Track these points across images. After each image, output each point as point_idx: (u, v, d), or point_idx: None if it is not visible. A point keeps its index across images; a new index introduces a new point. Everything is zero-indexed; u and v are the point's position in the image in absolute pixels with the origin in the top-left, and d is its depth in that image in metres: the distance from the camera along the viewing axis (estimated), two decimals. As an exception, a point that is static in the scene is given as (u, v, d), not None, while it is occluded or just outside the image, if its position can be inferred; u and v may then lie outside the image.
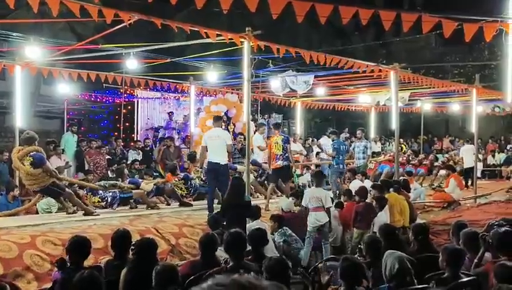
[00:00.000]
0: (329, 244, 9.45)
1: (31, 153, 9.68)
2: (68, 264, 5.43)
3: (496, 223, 6.74)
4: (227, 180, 10.48)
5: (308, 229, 9.23)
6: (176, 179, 12.30)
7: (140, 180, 12.24)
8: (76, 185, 11.51)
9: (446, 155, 23.69)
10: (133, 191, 11.48)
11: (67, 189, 10.44)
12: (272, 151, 12.37)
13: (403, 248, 6.07)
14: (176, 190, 12.23)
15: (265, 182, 14.27)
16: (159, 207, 11.66)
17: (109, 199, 11.07)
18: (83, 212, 10.25)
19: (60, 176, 10.49)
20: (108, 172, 13.00)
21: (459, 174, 16.73)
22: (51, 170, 10.04)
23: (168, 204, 12.34)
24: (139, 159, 15.48)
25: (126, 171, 12.29)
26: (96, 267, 5.45)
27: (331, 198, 10.21)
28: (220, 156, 10.86)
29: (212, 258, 5.87)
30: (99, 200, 11.07)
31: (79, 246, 5.48)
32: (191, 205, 12.10)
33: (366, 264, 5.81)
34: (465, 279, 5.15)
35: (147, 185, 11.88)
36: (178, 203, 12.20)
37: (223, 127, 17.86)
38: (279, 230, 8.69)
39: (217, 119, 11.77)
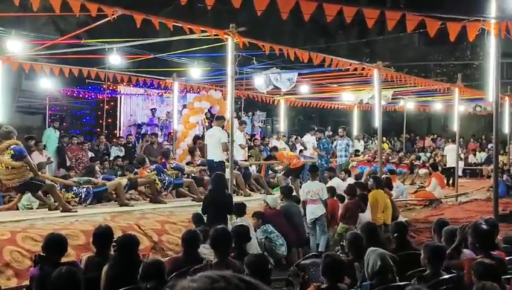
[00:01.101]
0: (327, 236, 9.59)
1: (11, 146, 9.54)
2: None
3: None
4: None
5: (307, 221, 9.79)
6: (148, 171, 12.07)
7: (114, 176, 12.07)
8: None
9: (428, 154, 23.93)
10: (107, 183, 11.23)
11: (47, 181, 10.30)
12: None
13: (384, 246, 6.10)
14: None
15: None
16: (133, 205, 11.41)
17: (83, 195, 10.80)
18: (61, 208, 10.14)
19: (38, 172, 10.33)
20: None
21: (441, 173, 16.89)
22: (31, 163, 9.90)
23: (151, 201, 12.22)
24: (122, 156, 15.38)
25: (97, 168, 12.06)
26: (72, 263, 5.38)
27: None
28: (214, 153, 11.31)
29: (194, 255, 5.85)
30: (73, 196, 10.75)
31: (55, 243, 5.40)
32: (165, 203, 11.82)
33: (349, 262, 5.84)
34: (447, 276, 5.18)
35: (121, 180, 11.73)
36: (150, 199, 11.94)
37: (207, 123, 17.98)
38: (262, 227, 8.71)
39: (218, 118, 12.16)
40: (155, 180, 11.89)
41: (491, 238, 5.67)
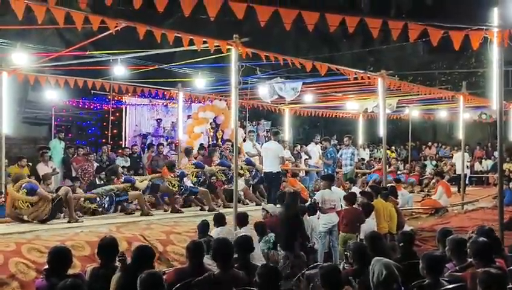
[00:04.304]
0: (338, 246, 9.66)
1: (23, 185, 10.21)
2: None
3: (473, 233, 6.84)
4: (278, 186, 12.36)
5: (320, 229, 9.80)
6: (172, 175, 12.42)
7: (133, 178, 12.31)
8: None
9: (434, 162, 23.89)
10: (129, 193, 11.62)
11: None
12: None
13: (388, 255, 6.08)
14: (169, 186, 12.34)
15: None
16: (153, 214, 11.72)
17: (106, 205, 11.38)
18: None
19: (53, 196, 10.55)
20: (96, 179, 12.93)
21: (449, 181, 16.89)
22: (46, 195, 10.29)
23: (166, 210, 12.48)
24: (127, 166, 15.41)
25: (120, 169, 12.31)
26: (77, 275, 5.39)
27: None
28: (273, 165, 12.25)
29: (199, 265, 5.83)
30: (96, 206, 11.37)
31: (59, 257, 5.39)
32: (182, 212, 12.17)
33: (354, 272, 5.82)
34: (450, 286, 5.15)
35: (142, 182, 12.10)
36: (170, 209, 12.34)
37: (212, 133, 18.01)
38: (264, 237, 8.69)
39: (275, 133, 13.32)
40: (174, 185, 12.35)
41: (488, 250, 5.63)
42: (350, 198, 10.00)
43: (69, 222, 10.25)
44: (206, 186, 13.16)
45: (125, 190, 11.65)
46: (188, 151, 14.23)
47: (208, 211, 12.07)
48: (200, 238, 7.59)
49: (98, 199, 11.29)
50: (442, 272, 5.37)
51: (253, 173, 14.23)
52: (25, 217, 10.22)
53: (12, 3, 6.78)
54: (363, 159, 20.02)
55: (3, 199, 11.43)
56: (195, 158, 14.22)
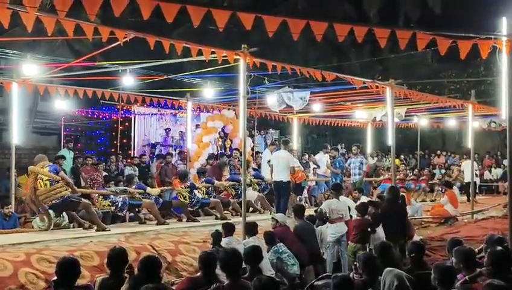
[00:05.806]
0: (347, 256, 9.67)
1: (46, 165, 10.26)
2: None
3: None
4: (287, 195, 12.51)
5: (328, 239, 9.86)
6: (182, 187, 12.48)
7: (145, 186, 12.51)
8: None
9: (443, 171, 23.77)
10: (143, 200, 11.72)
11: (83, 199, 10.82)
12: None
13: (398, 265, 6.05)
14: (180, 197, 12.45)
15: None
16: (168, 223, 11.74)
17: (119, 204, 11.40)
18: (95, 227, 10.48)
19: (75, 187, 10.85)
20: (105, 188, 12.96)
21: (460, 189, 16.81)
22: (67, 178, 10.54)
23: (180, 220, 12.51)
24: (136, 175, 15.43)
25: (136, 179, 12.38)
26: (86, 287, 5.40)
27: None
28: (283, 175, 12.34)
29: (212, 275, 5.82)
30: (110, 204, 11.39)
31: (67, 267, 5.37)
32: (198, 221, 12.24)
33: (364, 282, 5.79)
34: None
35: (153, 190, 12.37)
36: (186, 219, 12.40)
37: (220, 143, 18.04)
38: (273, 247, 8.66)
39: (284, 143, 13.38)
40: (185, 196, 12.41)
41: (506, 259, 5.57)
42: (362, 209, 9.96)
43: (97, 230, 10.31)
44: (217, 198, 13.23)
45: (139, 193, 11.73)
46: (199, 172, 14.12)
47: (221, 219, 12.13)
48: (212, 248, 7.61)
49: (112, 196, 11.39)
50: (454, 283, 5.33)
51: (262, 185, 14.26)
52: (40, 198, 10.12)
53: (22, 15, 6.81)
54: (376, 166, 19.92)
55: (12, 210, 11.51)
56: (205, 172, 14.21)
